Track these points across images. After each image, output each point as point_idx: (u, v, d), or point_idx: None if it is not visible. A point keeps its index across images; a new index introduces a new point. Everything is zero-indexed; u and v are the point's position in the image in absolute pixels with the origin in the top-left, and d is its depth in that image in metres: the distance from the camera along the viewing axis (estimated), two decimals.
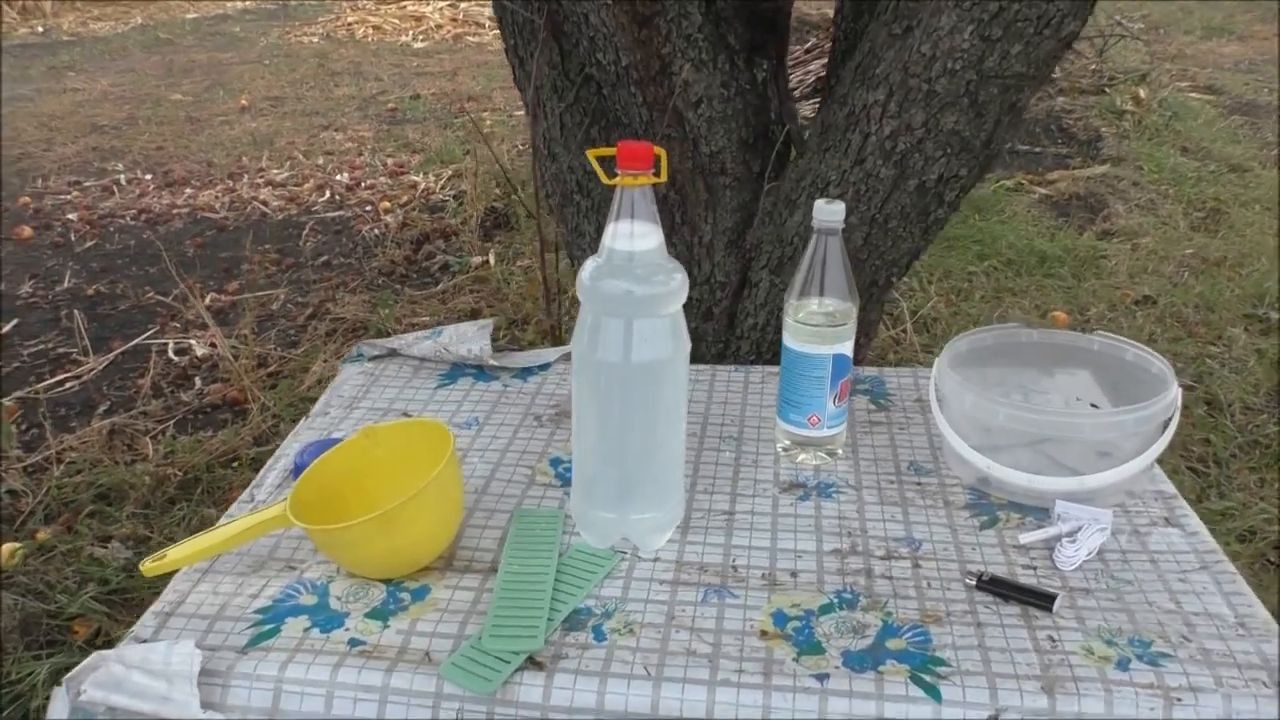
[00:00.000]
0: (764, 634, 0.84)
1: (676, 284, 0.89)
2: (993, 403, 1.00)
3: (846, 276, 1.03)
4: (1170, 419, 1.00)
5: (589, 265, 0.88)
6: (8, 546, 2.24)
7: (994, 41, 1.27)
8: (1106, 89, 5.00)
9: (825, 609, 0.87)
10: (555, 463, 1.09)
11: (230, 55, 6.69)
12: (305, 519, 0.89)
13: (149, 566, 0.89)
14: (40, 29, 7.57)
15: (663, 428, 0.92)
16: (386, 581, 0.91)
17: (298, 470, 1.03)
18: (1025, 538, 0.96)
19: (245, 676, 0.81)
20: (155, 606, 0.89)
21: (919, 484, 1.06)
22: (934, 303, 3.00)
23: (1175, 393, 1.01)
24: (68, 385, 2.95)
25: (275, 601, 0.89)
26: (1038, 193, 3.93)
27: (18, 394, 2.87)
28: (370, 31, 7.21)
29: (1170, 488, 1.04)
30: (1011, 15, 1.25)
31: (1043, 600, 0.86)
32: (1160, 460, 1.03)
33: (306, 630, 0.85)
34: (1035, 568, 0.93)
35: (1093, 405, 1.11)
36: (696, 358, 1.59)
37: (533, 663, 0.81)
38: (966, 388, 1.02)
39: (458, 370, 1.29)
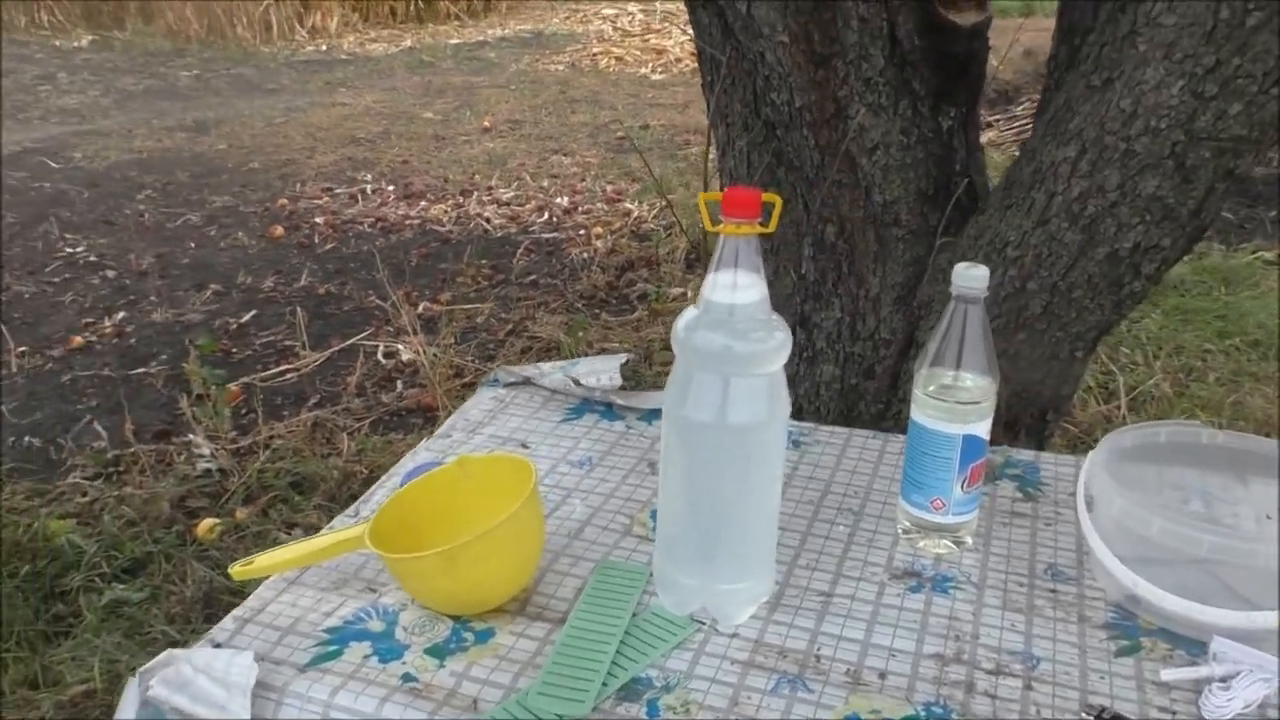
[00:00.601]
0: None
1: (777, 342, 0.82)
2: (1147, 510, 0.87)
3: (987, 350, 0.93)
4: None
5: (685, 316, 0.84)
6: (207, 522, 2.43)
7: (1208, 99, 1.13)
8: None
9: None
10: (656, 515, 1.05)
11: (482, 79, 7.08)
12: (386, 544, 0.88)
13: (237, 570, 0.92)
14: (324, 47, 8.30)
15: (753, 495, 0.86)
16: (455, 618, 0.89)
17: None
18: (1168, 674, 0.83)
19: (298, 696, 0.81)
20: (237, 611, 0.91)
21: (1053, 591, 0.94)
22: (1157, 379, 2.72)
23: None
24: (286, 376, 3.18)
25: (345, 623, 0.89)
26: None
27: (243, 379, 3.11)
28: (613, 62, 7.43)
29: None
30: (1231, 70, 1.10)
31: None
32: None
33: (366, 658, 0.85)
34: (1174, 713, 0.79)
35: None
36: (852, 418, 1.51)
37: None
38: (1118, 490, 0.90)
39: (586, 406, 1.26)
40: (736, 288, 0.82)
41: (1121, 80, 1.18)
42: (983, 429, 0.95)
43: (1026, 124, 4.43)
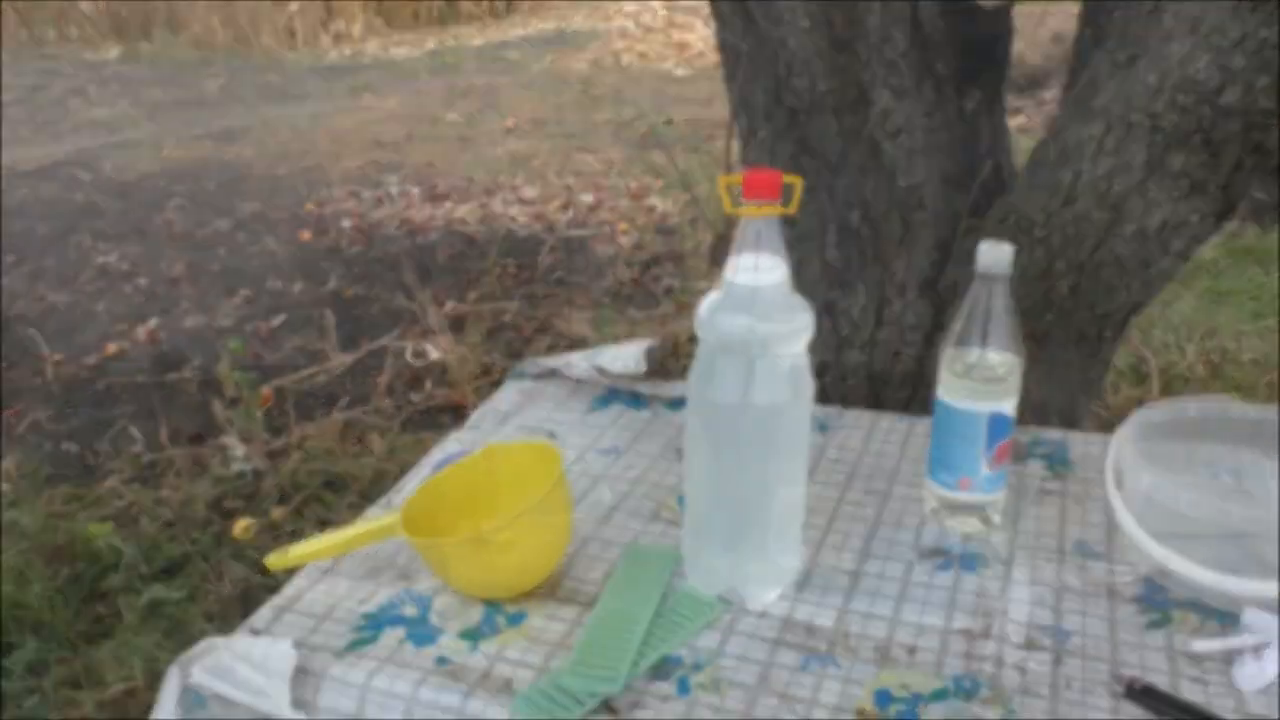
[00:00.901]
0: (861, 712, 0.76)
1: (801, 323, 0.83)
2: (1176, 484, 0.87)
3: (1012, 328, 0.93)
4: None
5: (708, 299, 0.84)
6: (243, 521, 2.46)
7: (1235, 72, 1.12)
8: None
9: (938, 694, 0.78)
10: (683, 499, 1.05)
11: (505, 79, 7.10)
12: (418, 531, 0.89)
13: (273, 560, 0.93)
14: (348, 53, 8.36)
15: (778, 476, 0.86)
16: (487, 602, 0.90)
17: None
18: (1200, 645, 0.83)
19: (336, 680, 0.83)
20: (275, 600, 0.93)
21: (1083, 567, 0.93)
22: (1191, 363, 2.69)
23: None
24: (317, 378, 3.21)
25: (380, 609, 0.90)
26: None
27: (274, 382, 3.15)
28: (636, 58, 7.44)
29: None
30: (1257, 43, 1.09)
31: None
32: None
33: (401, 642, 0.86)
34: (1206, 682, 0.79)
35: None
36: (879, 403, 1.50)
37: (608, 708, 0.77)
38: (1146, 465, 0.89)
39: (613, 395, 1.27)
40: (759, 269, 0.82)
41: (1147, 56, 1.17)
42: (1008, 406, 0.95)
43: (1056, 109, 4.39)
